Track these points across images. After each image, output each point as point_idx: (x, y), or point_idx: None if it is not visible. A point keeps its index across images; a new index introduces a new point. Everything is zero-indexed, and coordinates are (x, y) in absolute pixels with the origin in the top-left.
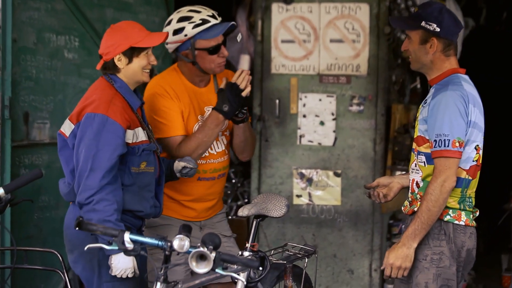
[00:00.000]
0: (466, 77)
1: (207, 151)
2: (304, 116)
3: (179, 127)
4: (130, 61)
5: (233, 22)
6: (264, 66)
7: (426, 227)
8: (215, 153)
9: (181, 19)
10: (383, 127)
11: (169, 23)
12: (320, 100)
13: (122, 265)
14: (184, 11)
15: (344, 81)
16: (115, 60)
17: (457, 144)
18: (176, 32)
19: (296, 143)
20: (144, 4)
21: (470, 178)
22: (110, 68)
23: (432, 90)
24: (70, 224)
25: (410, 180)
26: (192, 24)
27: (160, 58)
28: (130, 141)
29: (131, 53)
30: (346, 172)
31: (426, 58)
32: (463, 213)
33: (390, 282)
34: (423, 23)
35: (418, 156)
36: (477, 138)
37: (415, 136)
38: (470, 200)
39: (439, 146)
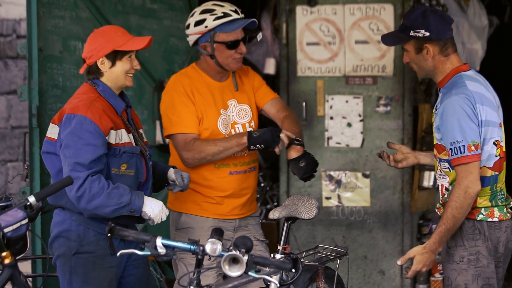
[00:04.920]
0: (470, 72)
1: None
2: (331, 118)
3: (191, 124)
4: (113, 64)
5: (253, 19)
6: (290, 69)
7: (452, 232)
8: None
9: (204, 11)
10: (411, 127)
11: (192, 15)
12: (346, 101)
13: (156, 208)
14: (208, 5)
15: (370, 82)
16: (98, 64)
17: (473, 148)
18: (198, 23)
19: (324, 145)
20: (168, 10)
21: (496, 173)
22: (94, 72)
23: (440, 95)
24: (52, 228)
25: (439, 185)
26: (214, 16)
27: (186, 63)
28: (112, 142)
29: (114, 56)
30: (374, 173)
31: (427, 64)
32: (495, 209)
33: (422, 283)
34: (411, 33)
35: (441, 163)
36: (494, 134)
37: (434, 143)
38: (502, 193)
39: (456, 154)
